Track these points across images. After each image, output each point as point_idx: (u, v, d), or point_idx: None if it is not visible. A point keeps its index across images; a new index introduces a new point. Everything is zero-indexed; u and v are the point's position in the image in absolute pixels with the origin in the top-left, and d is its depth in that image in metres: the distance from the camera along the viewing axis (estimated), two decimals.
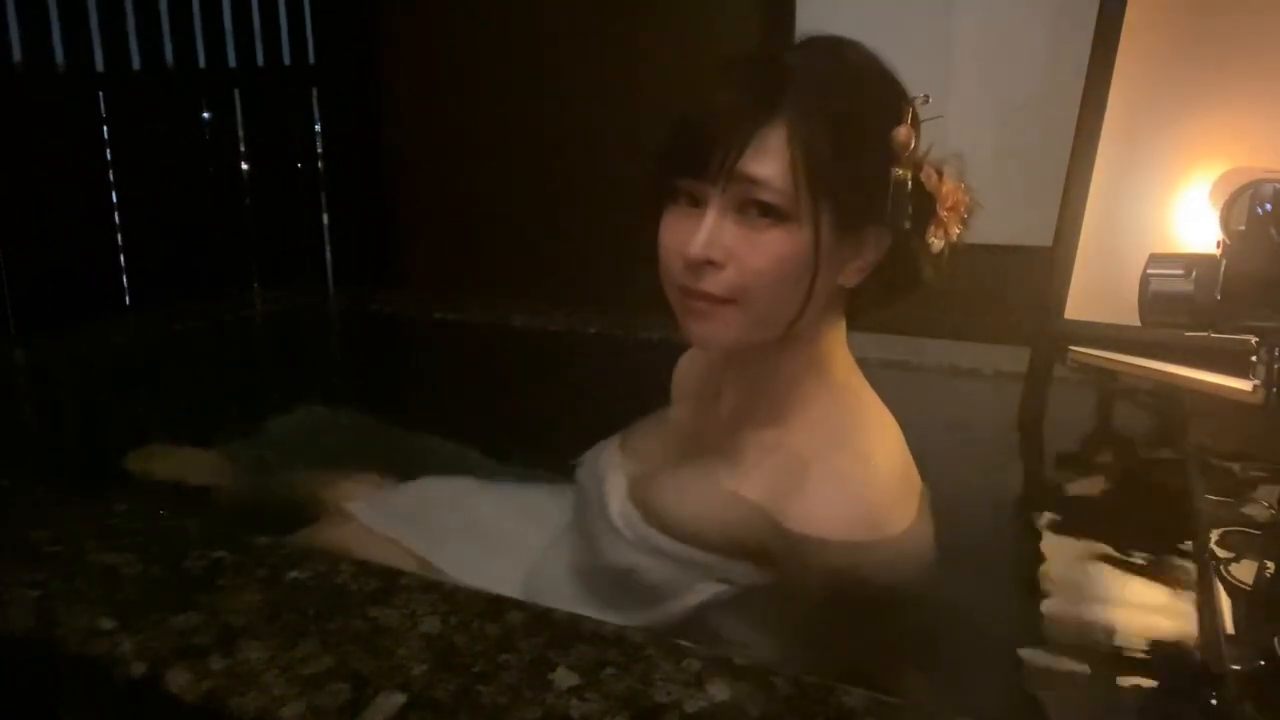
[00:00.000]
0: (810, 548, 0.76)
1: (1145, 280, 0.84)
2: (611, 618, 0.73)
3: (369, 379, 1.80)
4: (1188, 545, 0.91)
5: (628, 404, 1.05)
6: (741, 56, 0.80)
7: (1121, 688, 0.80)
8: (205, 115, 2.15)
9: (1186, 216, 1.12)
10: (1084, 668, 0.82)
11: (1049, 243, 1.22)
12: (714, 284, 0.76)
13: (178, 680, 0.63)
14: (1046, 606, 0.93)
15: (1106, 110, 1.16)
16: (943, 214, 0.79)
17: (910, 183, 0.76)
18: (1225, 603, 0.76)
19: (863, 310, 0.86)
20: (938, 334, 1.48)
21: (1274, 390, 0.83)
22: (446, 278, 2.32)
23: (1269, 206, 0.81)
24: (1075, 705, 0.81)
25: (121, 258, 2.03)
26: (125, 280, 2.03)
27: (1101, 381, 1.29)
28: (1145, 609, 0.89)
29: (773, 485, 0.80)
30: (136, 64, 1.99)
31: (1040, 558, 1.02)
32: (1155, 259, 0.84)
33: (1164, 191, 1.14)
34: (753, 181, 0.74)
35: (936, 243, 0.80)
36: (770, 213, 0.75)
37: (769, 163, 0.74)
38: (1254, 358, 0.84)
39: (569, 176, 2.13)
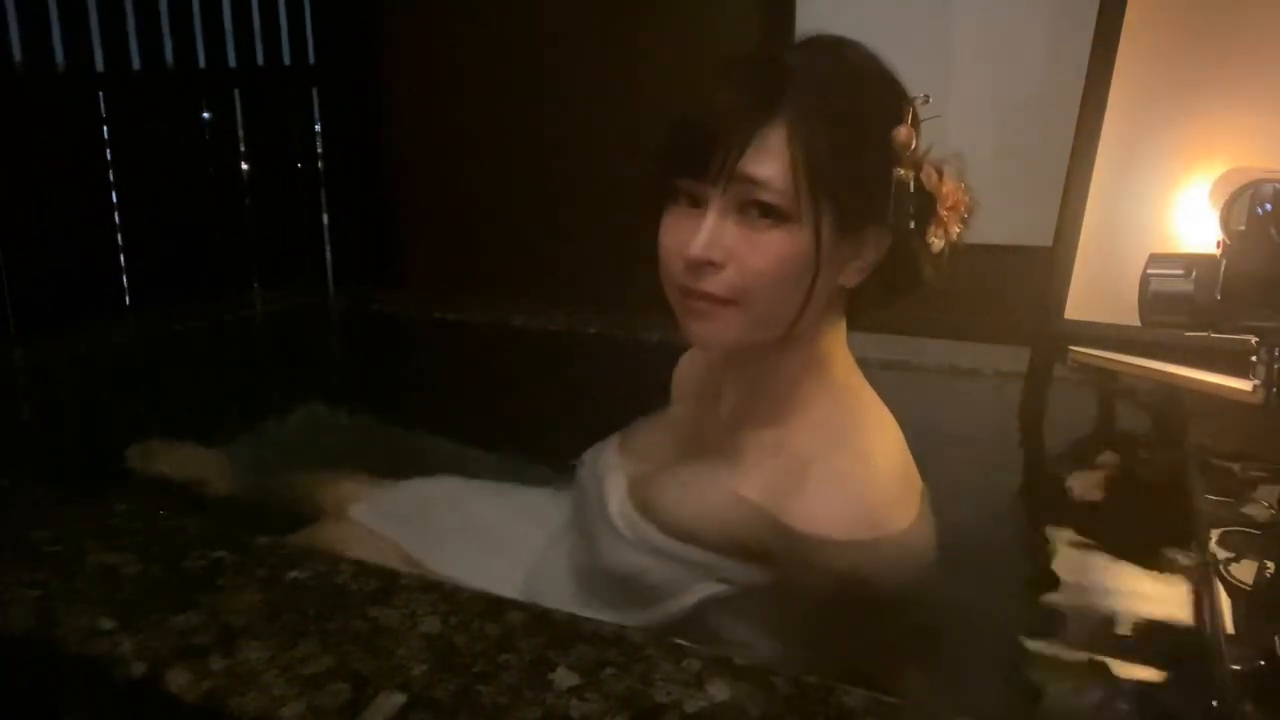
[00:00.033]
0: (810, 547, 0.76)
1: (1145, 280, 0.84)
2: (611, 617, 0.73)
3: (369, 379, 1.80)
4: (1188, 545, 0.91)
5: (628, 404, 1.05)
6: (741, 56, 0.80)
7: (1121, 687, 0.80)
8: (205, 115, 2.14)
9: (1186, 216, 1.12)
10: (1084, 668, 0.82)
11: (1049, 243, 1.22)
12: (714, 284, 0.76)
13: (178, 680, 0.63)
14: (1046, 606, 0.93)
15: (1106, 110, 1.16)
16: (943, 214, 0.79)
17: (912, 183, 0.76)
18: (1225, 603, 0.76)
19: (863, 310, 0.86)
20: (938, 334, 1.48)
21: (1274, 390, 0.83)
22: (446, 278, 2.31)
23: (1269, 206, 0.81)
24: (1075, 705, 0.81)
25: (121, 258, 2.02)
26: (125, 280, 2.03)
27: (1101, 381, 1.29)
28: (1145, 609, 0.89)
29: (773, 485, 0.80)
30: (136, 64, 1.99)
31: (1040, 558, 1.02)
32: (1155, 259, 0.84)
33: (1164, 191, 1.14)
34: (753, 182, 0.74)
35: (936, 242, 0.80)
36: (771, 213, 0.75)
37: (769, 163, 0.74)
38: (1254, 358, 0.84)
39: (569, 176, 2.13)
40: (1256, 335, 0.84)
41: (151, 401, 1.63)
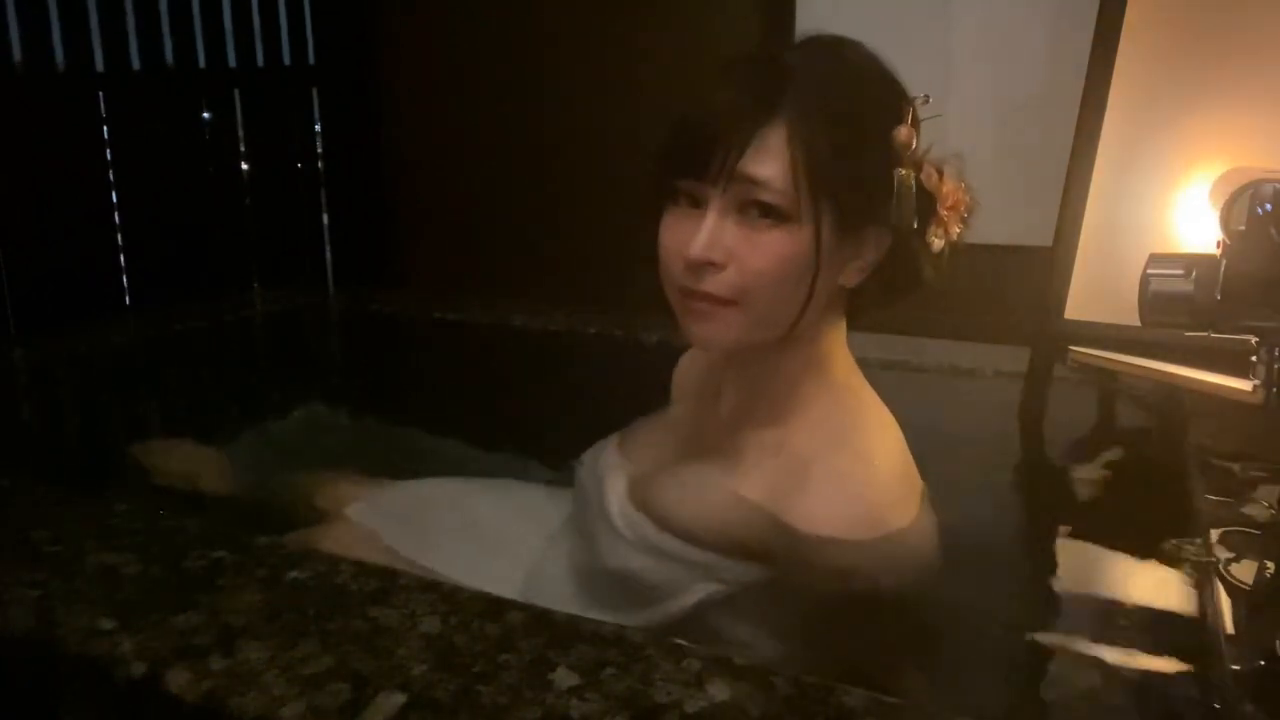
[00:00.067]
0: (811, 547, 0.76)
1: (1145, 280, 0.84)
2: (611, 618, 0.73)
3: (369, 379, 1.80)
4: (1188, 545, 0.91)
5: (628, 404, 1.05)
6: (741, 56, 0.80)
7: (1121, 687, 0.80)
8: (205, 115, 2.14)
9: (1186, 216, 1.12)
10: (1083, 667, 0.82)
11: (1049, 243, 1.22)
12: (715, 285, 0.76)
13: (178, 680, 0.63)
14: (1046, 606, 0.93)
15: (1106, 110, 1.16)
16: (943, 213, 0.79)
17: (912, 183, 0.76)
18: (1225, 603, 0.76)
19: (863, 310, 0.86)
20: (938, 334, 1.48)
21: (1274, 390, 0.83)
22: (446, 278, 2.32)
23: (1269, 206, 0.81)
24: (1075, 705, 0.81)
25: (121, 258, 2.02)
26: (125, 280, 2.03)
27: (1101, 381, 1.29)
28: (1145, 609, 0.89)
29: (773, 485, 0.80)
30: (136, 64, 1.99)
31: (1039, 558, 1.02)
32: (1155, 259, 0.84)
33: (1164, 191, 1.14)
34: (753, 182, 0.74)
35: (937, 242, 0.80)
36: (771, 213, 0.75)
37: (769, 163, 0.74)
38: (1254, 358, 0.84)
39: (569, 176, 2.13)
40: (1256, 335, 0.84)
41: (151, 402, 1.63)
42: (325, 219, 2.40)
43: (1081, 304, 1.20)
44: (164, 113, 2.05)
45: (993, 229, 0.87)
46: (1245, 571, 0.79)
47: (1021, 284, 1.37)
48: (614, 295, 1.57)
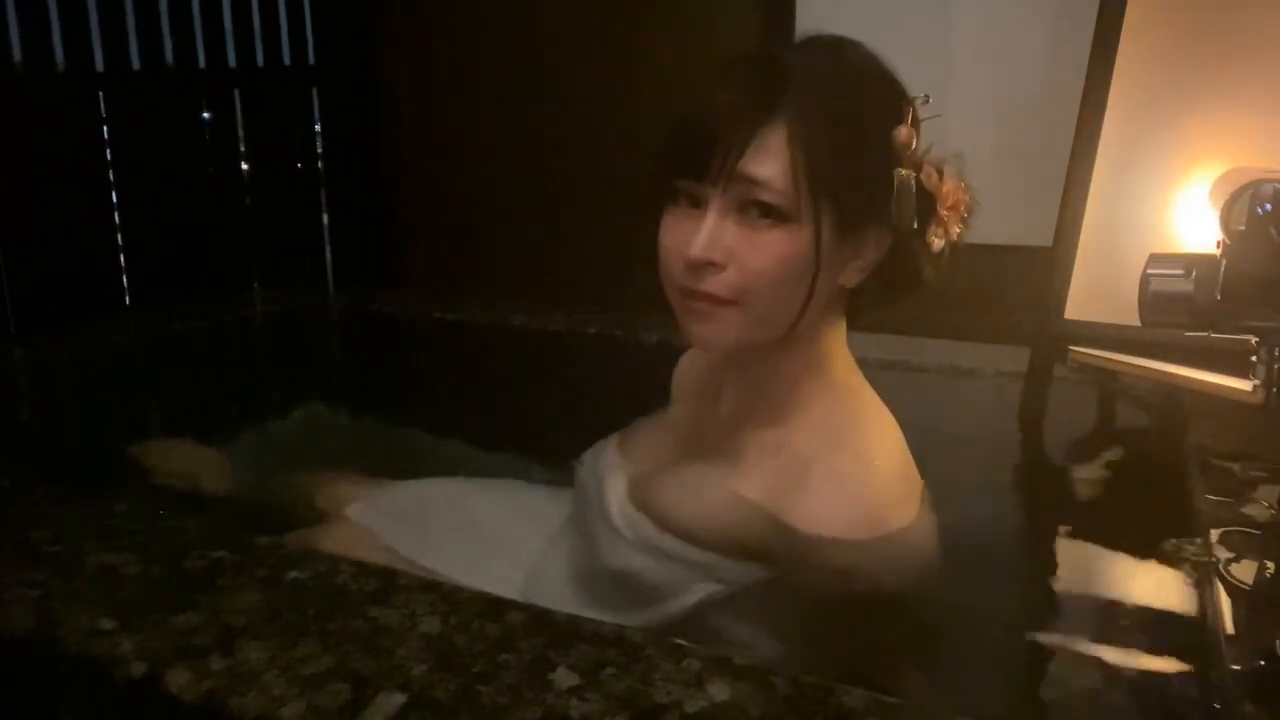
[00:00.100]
0: (811, 547, 0.76)
1: (1145, 280, 0.84)
2: (611, 618, 0.73)
3: (369, 379, 1.80)
4: (1188, 545, 0.91)
5: (628, 404, 1.05)
6: (741, 56, 0.80)
7: (1121, 688, 0.80)
8: (205, 115, 2.14)
9: (1186, 216, 1.12)
10: (1083, 667, 0.82)
11: (1049, 243, 1.22)
12: (715, 285, 0.76)
13: (178, 680, 0.63)
14: (1046, 606, 0.93)
15: (1106, 110, 1.16)
16: (943, 213, 0.79)
17: (912, 183, 0.76)
18: (1225, 603, 0.76)
19: (863, 310, 0.86)
20: (938, 334, 1.48)
21: (1274, 390, 0.83)
22: (446, 278, 2.32)
23: (1269, 206, 0.81)
24: (1075, 705, 0.81)
25: (121, 258, 2.02)
26: (125, 280, 2.03)
27: (1101, 381, 1.29)
28: (1145, 609, 0.89)
29: (773, 485, 0.80)
30: (136, 64, 1.99)
31: (1039, 558, 1.02)
32: (1155, 259, 0.85)
33: (1164, 191, 1.14)
34: (753, 182, 0.74)
35: (937, 242, 0.80)
36: (771, 213, 0.75)
37: (769, 163, 0.74)
38: (1254, 358, 0.84)
39: (569, 176, 2.13)
40: (1256, 335, 0.84)
41: (151, 402, 1.63)
42: (325, 219, 2.40)
43: (1081, 304, 1.20)
44: (164, 113, 2.05)
45: (993, 229, 0.87)
46: (1245, 571, 0.79)
47: (1021, 284, 1.37)
48: (614, 295, 1.57)
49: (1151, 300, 0.84)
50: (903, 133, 0.77)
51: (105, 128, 1.97)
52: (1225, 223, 0.89)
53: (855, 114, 0.77)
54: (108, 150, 1.98)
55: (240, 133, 2.20)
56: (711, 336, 0.80)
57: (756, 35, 1.85)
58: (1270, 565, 0.80)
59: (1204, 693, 0.72)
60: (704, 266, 0.76)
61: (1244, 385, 0.94)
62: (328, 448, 1.48)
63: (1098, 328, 1.18)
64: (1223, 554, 0.82)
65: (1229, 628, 0.72)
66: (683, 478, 0.87)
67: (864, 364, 0.88)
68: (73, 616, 0.70)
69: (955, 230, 0.81)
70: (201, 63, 2.10)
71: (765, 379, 0.85)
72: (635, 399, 1.06)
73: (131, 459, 1.33)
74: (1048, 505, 1.15)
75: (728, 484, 0.83)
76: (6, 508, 0.92)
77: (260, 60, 2.22)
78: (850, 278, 0.81)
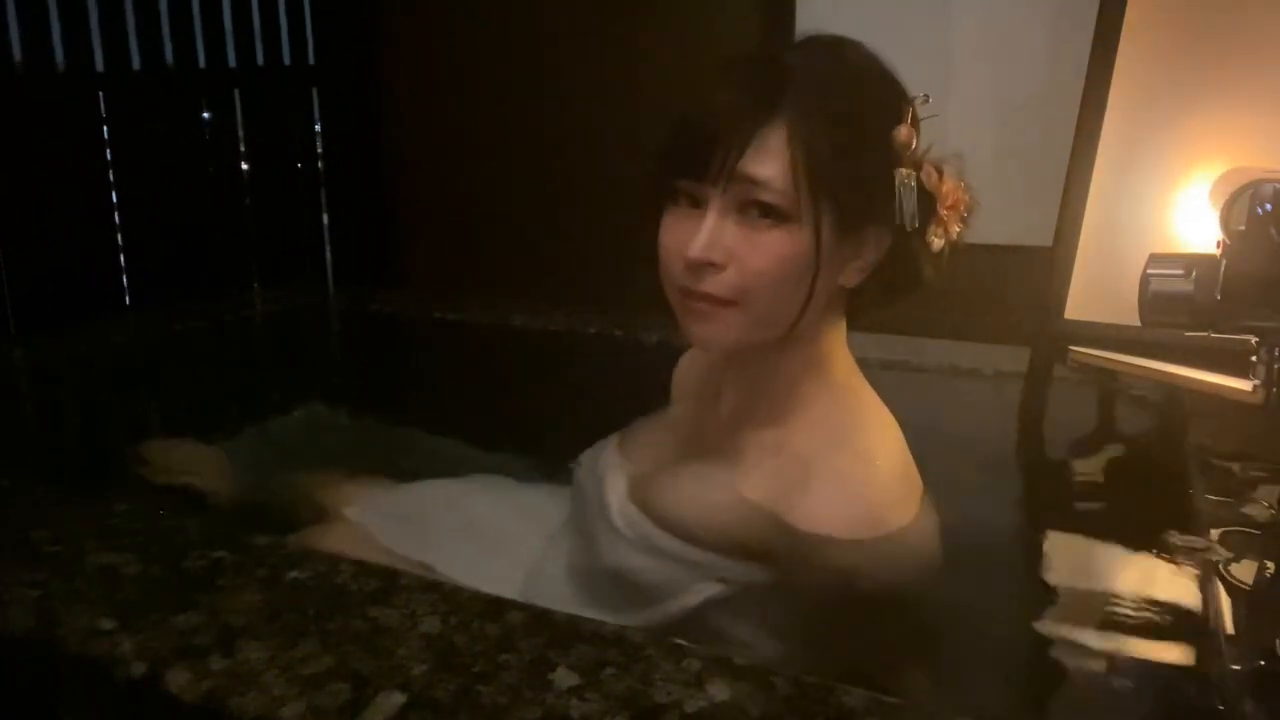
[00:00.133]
0: (811, 547, 0.76)
1: (1145, 280, 0.84)
2: (611, 618, 0.73)
3: (369, 379, 1.80)
4: (1188, 545, 0.91)
5: (628, 404, 1.05)
6: (741, 56, 0.80)
7: (1121, 687, 0.80)
8: (205, 115, 2.14)
9: (1186, 216, 1.12)
10: (1083, 668, 0.82)
11: (1049, 243, 1.23)
12: (715, 285, 0.76)
13: (178, 680, 0.63)
14: (1046, 606, 0.93)
15: (1106, 110, 1.16)
16: (943, 213, 0.79)
17: (912, 183, 0.76)
18: (1225, 603, 0.76)
19: (863, 310, 0.86)
20: (938, 334, 1.48)
21: (1274, 390, 0.84)
22: (446, 278, 2.32)
23: (1269, 206, 0.81)
24: (1075, 705, 0.81)
25: (121, 258, 2.02)
26: (125, 280, 2.03)
27: (1101, 381, 1.30)
28: (1145, 609, 0.89)
29: (773, 485, 0.80)
30: (136, 64, 1.99)
31: (1039, 557, 1.02)
32: (1155, 259, 0.85)
33: (1164, 191, 1.14)
34: (753, 182, 0.74)
35: (937, 242, 0.80)
36: (771, 213, 0.75)
37: (769, 163, 0.74)
38: (1254, 358, 0.85)
39: (569, 176, 2.13)
40: (1256, 335, 0.84)
41: (151, 401, 1.63)
42: (325, 219, 2.40)
43: (1081, 304, 1.20)
44: (164, 113, 2.05)
45: (993, 229, 0.87)
46: (1245, 571, 0.79)
47: (1021, 284, 1.37)
48: (614, 295, 1.57)
49: (1151, 300, 0.84)
50: (903, 132, 0.77)
51: (105, 128, 1.97)
52: (1225, 223, 0.89)
53: (855, 114, 0.77)
54: (108, 150, 1.98)
55: (240, 133, 2.20)
56: (711, 336, 0.80)
57: (756, 35, 1.85)
58: (1270, 565, 0.80)
59: (1204, 693, 0.72)
60: (704, 266, 0.76)
61: (1244, 385, 0.94)
62: (328, 448, 1.48)
63: (1098, 328, 1.18)
64: (1223, 554, 0.82)
65: (1229, 628, 0.72)
66: (683, 478, 0.87)
67: (864, 364, 0.88)
68: (73, 616, 0.70)
69: (955, 230, 0.81)
70: (201, 63, 2.10)
71: (765, 379, 0.85)
72: (635, 399, 1.06)
73: (132, 459, 1.33)
74: (1047, 505, 1.15)
75: (728, 484, 0.83)
76: (6, 508, 0.92)
77: (260, 60, 2.22)
78: (850, 278, 0.81)
